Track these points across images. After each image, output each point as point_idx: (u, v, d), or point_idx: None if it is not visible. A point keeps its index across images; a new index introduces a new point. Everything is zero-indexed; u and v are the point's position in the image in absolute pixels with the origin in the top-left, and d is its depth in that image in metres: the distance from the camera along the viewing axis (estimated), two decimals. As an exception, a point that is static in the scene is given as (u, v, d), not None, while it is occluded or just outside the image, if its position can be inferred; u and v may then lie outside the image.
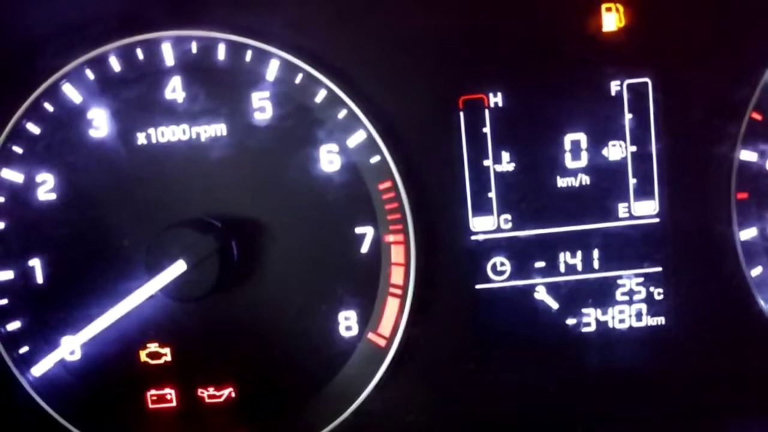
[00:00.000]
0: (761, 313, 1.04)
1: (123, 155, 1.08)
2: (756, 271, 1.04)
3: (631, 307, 1.07)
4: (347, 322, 1.09)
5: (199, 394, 1.12)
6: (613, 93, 1.04)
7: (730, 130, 1.02)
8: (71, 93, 1.07)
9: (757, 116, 1.02)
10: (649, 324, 1.07)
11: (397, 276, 1.07)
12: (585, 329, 1.07)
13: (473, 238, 1.07)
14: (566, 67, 1.04)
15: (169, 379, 1.12)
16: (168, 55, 1.06)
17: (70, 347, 1.09)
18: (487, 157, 1.06)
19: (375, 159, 1.05)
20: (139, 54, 1.06)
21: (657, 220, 1.05)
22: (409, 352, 1.08)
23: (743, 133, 1.02)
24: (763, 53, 1.01)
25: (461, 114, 1.05)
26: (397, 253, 1.06)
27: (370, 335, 1.08)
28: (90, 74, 1.07)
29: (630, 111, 1.04)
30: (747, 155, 1.03)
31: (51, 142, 1.09)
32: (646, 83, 1.03)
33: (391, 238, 1.06)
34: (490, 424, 1.09)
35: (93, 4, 1.06)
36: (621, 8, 1.03)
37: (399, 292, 1.07)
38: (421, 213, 1.05)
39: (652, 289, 1.06)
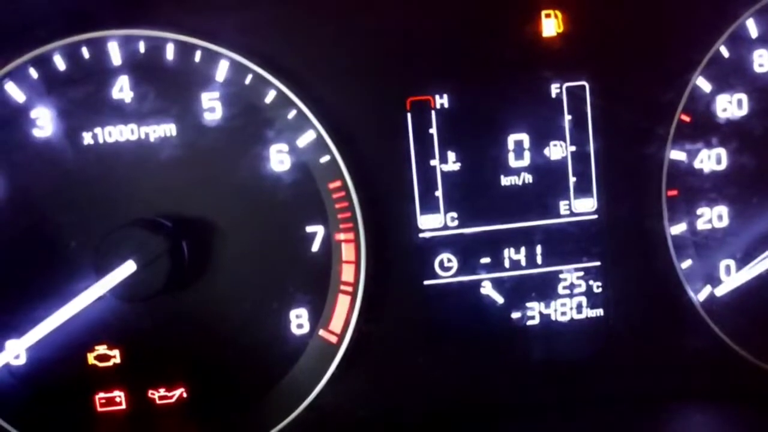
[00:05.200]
0: (690, 302, 1.10)
1: (69, 155, 1.06)
2: (686, 264, 1.10)
3: (572, 300, 1.11)
4: (299, 320, 1.10)
5: (150, 395, 1.11)
6: (553, 95, 1.08)
7: (660, 131, 1.08)
8: (14, 92, 1.04)
9: (685, 118, 1.08)
10: (588, 316, 1.11)
11: (347, 273, 1.08)
12: (529, 322, 1.11)
13: (421, 235, 1.10)
14: (508, 71, 1.08)
15: (118, 381, 1.10)
16: (115, 54, 1.04)
17: (15, 351, 1.06)
18: (433, 157, 1.08)
19: (325, 159, 1.07)
20: (85, 53, 1.04)
21: (595, 216, 1.10)
22: (360, 348, 1.09)
23: (672, 134, 1.07)
24: (691, 60, 1.07)
25: (409, 115, 1.08)
26: (347, 251, 1.08)
27: (322, 332, 1.09)
28: (34, 73, 1.04)
29: (569, 113, 1.08)
30: (676, 155, 1.08)
31: (-6, 141, 1.06)
32: (583, 86, 1.08)
33: (341, 236, 1.08)
34: (440, 416, 1.12)
35: (37, 2, 1.03)
36: (560, 15, 1.07)
37: (350, 289, 1.08)
38: (371, 211, 1.07)
39: (591, 282, 1.11)
